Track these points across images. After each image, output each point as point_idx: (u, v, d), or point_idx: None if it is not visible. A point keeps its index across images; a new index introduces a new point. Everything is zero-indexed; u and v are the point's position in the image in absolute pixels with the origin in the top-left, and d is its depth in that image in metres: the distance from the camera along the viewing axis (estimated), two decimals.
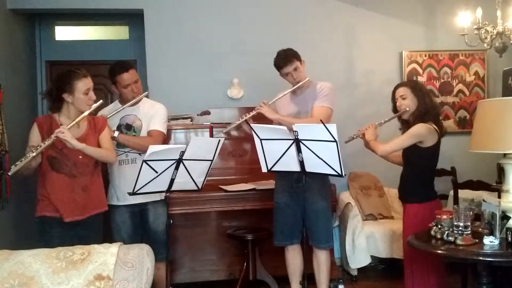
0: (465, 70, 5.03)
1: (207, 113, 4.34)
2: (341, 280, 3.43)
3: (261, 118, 3.31)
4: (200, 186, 2.93)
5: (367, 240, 4.21)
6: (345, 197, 4.50)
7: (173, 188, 2.82)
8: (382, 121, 3.14)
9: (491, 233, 2.40)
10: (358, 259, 4.21)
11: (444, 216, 2.59)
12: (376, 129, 3.11)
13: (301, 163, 2.84)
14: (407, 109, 2.99)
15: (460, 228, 2.46)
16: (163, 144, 3.29)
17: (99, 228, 2.93)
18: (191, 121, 4.32)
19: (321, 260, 3.34)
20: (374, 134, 3.07)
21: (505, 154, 2.65)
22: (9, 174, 2.52)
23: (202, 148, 2.81)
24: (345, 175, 2.86)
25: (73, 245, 2.24)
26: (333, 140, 2.63)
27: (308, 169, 2.86)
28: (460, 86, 5.04)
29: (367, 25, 4.94)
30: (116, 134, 3.10)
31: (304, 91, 3.36)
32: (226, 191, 3.93)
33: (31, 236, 2.90)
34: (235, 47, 4.76)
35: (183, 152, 2.69)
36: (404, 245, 3.06)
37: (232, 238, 4.00)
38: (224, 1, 4.80)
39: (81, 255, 2.14)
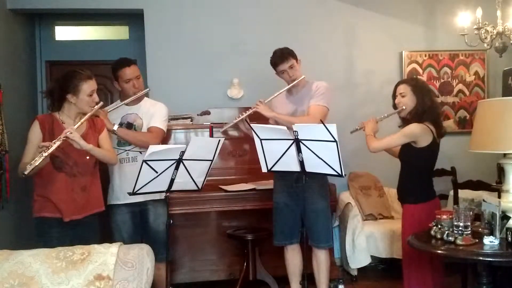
0: (465, 70, 5.03)
1: (207, 113, 4.35)
2: (341, 280, 3.43)
3: (258, 117, 3.32)
4: (200, 186, 2.93)
5: (367, 240, 4.21)
6: (345, 197, 4.50)
7: (173, 188, 2.82)
8: (382, 116, 3.16)
9: (491, 233, 2.40)
10: (358, 259, 4.21)
11: (444, 216, 2.59)
12: (376, 123, 3.13)
13: (301, 163, 2.84)
14: (404, 107, 3.00)
15: (460, 228, 2.46)
16: (162, 142, 3.31)
17: (97, 228, 2.92)
18: (191, 121, 4.32)
19: (321, 259, 3.35)
20: (373, 129, 3.09)
21: (505, 154, 2.65)
22: (25, 173, 2.52)
23: (202, 148, 2.81)
24: (345, 175, 2.86)
25: (72, 246, 2.24)
26: (333, 140, 2.63)
27: (308, 169, 2.86)
28: (460, 86, 5.04)
29: (367, 25, 4.94)
30: (115, 127, 3.10)
31: (300, 90, 3.37)
32: (226, 191, 3.93)
33: (31, 236, 2.89)
34: (235, 47, 4.76)
35: (183, 152, 2.69)
36: (403, 245, 3.06)
37: (232, 238, 4.00)
38: (224, 1, 4.80)
39: (81, 255, 2.14)
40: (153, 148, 2.59)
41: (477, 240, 2.40)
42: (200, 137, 4.22)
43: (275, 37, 4.65)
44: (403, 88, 3.03)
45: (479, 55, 5.01)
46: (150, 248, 2.27)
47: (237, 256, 4.17)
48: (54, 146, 2.56)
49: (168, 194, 2.85)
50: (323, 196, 3.29)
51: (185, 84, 4.70)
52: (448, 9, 4.74)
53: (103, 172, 3.15)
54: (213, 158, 2.85)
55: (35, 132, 2.75)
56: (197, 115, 4.36)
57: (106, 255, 2.14)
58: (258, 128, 2.91)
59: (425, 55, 4.98)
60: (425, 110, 2.94)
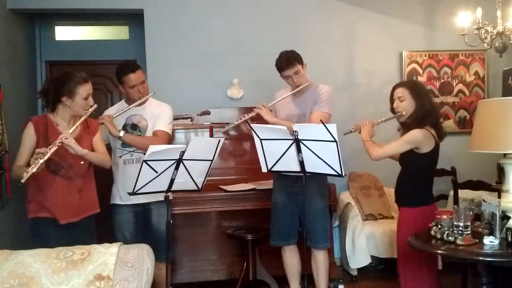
0: (465, 70, 5.03)
1: (207, 113, 4.35)
2: (341, 280, 3.44)
3: (259, 118, 3.32)
4: (200, 186, 2.93)
5: (367, 240, 4.21)
6: (345, 197, 4.50)
7: (173, 188, 2.82)
8: (379, 121, 3.08)
9: (491, 233, 2.40)
10: (358, 259, 4.21)
11: (444, 216, 2.59)
12: (373, 127, 3.04)
13: (301, 163, 2.84)
14: (404, 113, 2.90)
15: (460, 228, 2.46)
16: (167, 143, 3.30)
17: (92, 230, 2.91)
18: (191, 121, 4.32)
19: (319, 260, 3.35)
20: (370, 133, 3.00)
21: (505, 154, 2.65)
22: (22, 181, 2.50)
23: (202, 148, 2.81)
24: (345, 175, 2.86)
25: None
26: (333, 140, 2.63)
27: (308, 169, 2.86)
28: (460, 86, 5.04)
29: (367, 25, 4.94)
30: (121, 133, 3.10)
31: (305, 93, 3.36)
32: (226, 191, 3.93)
33: (31, 236, 2.89)
34: (235, 47, 4.76)
35: (183, 152, 2.69)
36: (398, 247, 3.05)
37: (232, 238, 4.00)
38: (224, 1, 4.80)
39: (81, 255, 2.14)
40: (153, 148, 2.59)
41: (477, 240, 2.39)
42: (200, 137, 4.22)
43: (275, 37, 4.65)
44: (401, 92, 2.93)
45: (479, 55, 5.01)
46: (150, 248, 2.27)
47: (237, 256, 4.17)
48: (50, 153, 2.54)
49: (168, 194, 2.85)
50: (321, 196, 3.29)
51: (185, 84, 4.70)
52: (448, 9, 4.75)
53: (107, 172, 3.14)
54: (213, 158, 2.85)
55: (29, 134, 2.73)
56: (197, 115, 4.36)
57: (106, 255, 2.14)
58: (258, 128, 2.92)
59: (425, 55, 4.98)
60: (425, 114, 2.86)
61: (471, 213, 2.51)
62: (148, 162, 2.61)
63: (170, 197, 3.29)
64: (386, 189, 4.63)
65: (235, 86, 4.72)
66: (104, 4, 4.66)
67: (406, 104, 2.90)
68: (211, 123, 4.24)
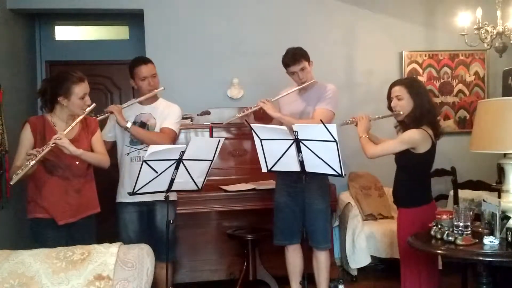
0: (465, 70, 5.03)
1: (207, 113, 4.35)
2: (341, 280, 3.43)
3: (263, 117, 3.32)
4: (200, 186, 2.93)
5: (367, 240, 4.21)
6: (345, 197, 4.50)
7: (173, 188, 2.82)
8: (376, 116, 3.04)
9: (491, 233, 2.40)
10: (358, 259, 4.21)
11: (444, 216, 2.59)
12: (369, 122, 3.01)
13: (301, 163, 2.84)
14: (401, 112, 2.87)
15: (460, 228, 2.46)
16: (173, 143, 3.30)
17: (92, 229, 2.91)
18: (191, 121, 4.32)
19: (321, 260, 3.35)
20: (366, 128, 2.97)
21: (505, 154, 2.65)
22: (11, 183, 2.50)
23: (202, 148, 2.81)
24: (345, 175, 2.84)
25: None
26: (333, 140, 2.63)
27: (308, 169, 2.85)
28: (460, 86, 5.04)
29: (367, 25, 4.94)
30: (129, 124, 3.11)
31: (310, 90, 3.35)
32: (226, 191, 3.93)
33: (31, 237, 2.89)
34: (235, 47, 4.76)
35: (183, 152, 2.69)
36: (399, 247, 3.04)
37: (232, 238, 4.00)
38: (224, 1, 4.80)
39: (81, 255, 2.14)
40: (153, 148, 2.59)
41: (477, 240, 2.39)
42: (200, 137, 4.22)
43: (275, 37, 4.66)
44: (398, 91, 2.88)
45: (479, 55, 5.01)
46: (150, 248, 2.27)
47: (237, 256, 4.17)
48: (42, 154, 2.53)
49: (167, 194, 2.85)
50: (322, 197, 3.29)
51: (185, 84, 4.70)
52: (448, 9, 4.75)
53: (113, 169, 3.14)
54: (213, 158, 2.85)
55: (26, 135, 2.73)
56: (197, 115, 4.36)
57: (106, 255, 2.14)
58: (258, 128, 2.91)
59: (425, 55, 4.98)
60: (423, 113, 2.82)
61: (471, 213, 2.51)
62: (148, 162, 2.61)
63: (175, 198, 3.32)
64: (386, 189, 4.63)
65: (235, 86, 4.72)
66: (104, 4, 4.66)
67: (404, 103, 2.86)
68: (211, 123, 4.23)
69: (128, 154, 3.25)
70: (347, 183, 4.67)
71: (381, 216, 4.48)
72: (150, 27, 4.69)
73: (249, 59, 4.69)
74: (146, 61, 3.31)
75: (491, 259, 2.31)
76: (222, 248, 4.26)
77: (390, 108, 2.98)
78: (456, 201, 3.85)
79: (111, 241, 2.30)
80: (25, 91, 4.75)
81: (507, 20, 3.92)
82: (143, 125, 3.26)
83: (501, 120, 2.60)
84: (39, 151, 2.54)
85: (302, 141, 2.74)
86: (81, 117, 2.74)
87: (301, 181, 2.96)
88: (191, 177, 2.83)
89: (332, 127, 2.61)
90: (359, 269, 4.28)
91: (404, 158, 2.87)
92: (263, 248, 3.97)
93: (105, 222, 3.15)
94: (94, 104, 2.80)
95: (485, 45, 4.01)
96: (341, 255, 4.62)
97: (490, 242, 2.35)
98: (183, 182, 2.82)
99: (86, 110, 2.76)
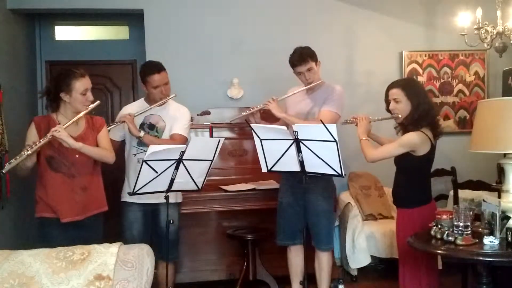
0: (465, 70, 5.03)
1: (207, 113, 4.34)
2: (341, 280, 3.43)
3: (268, 117, 3.31)
4: (200, 186, 2.93)
5: (367, 240, 4.21)
6: (345, 197, 4.50)
7: (173, 188, 2.83)
8: (376, 118, 3.05)
9: (491, 233, 2.40)
10: (358, 259, 4.21)
11: (444, 216, 2.59)
12: (370, 123, 3.01)
13: (301, 163, 2.84)
14: (399, 115, 2.85)
15: (460, 228, 2.46)
16: None
17: (100, 228, 2.91)
18: (191, 121, 4.31)
19: (323, 261, 3.35)
20: (366, 130, 2.97)
21: (505, 154, 2.65)
22: (3, 171, 2.50)
23: (202, 148, 2.81)
24: (345, 175, 2.85)
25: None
26: (333, 140, 2.63)
27: (308, 169, 2.85)
28: (460, 86, 5.04)
29: (367, 25, 4.94)
30: (142, 134, 3.13)
31: (317, 91, 3.34)
32: (226, 191, 3.93)
33: (31, 236, 2.90)
34: (235, 47, 4.76)
35: (183, 152, 2.69)
36: (398, 247, 3.04)
37: (232, 238, 3.99)
38: (224, 1, 4.80)
39: (81, 255, 2.14)
40: (153, 148, 2.60)
41: (477, 240, 2.39)
42: (200, 137, 4.22)
43: (275, 37, 4.65)
44: (396, 93, 2.84)
45: (479, 55, 5.01)
46: (150, 248, 2.27)
47: (237, 256, 4.16)
48: (39, 145, 2.54)
49: (167, 194, 2.85)
50: (325, 198, 3.28)
51: (185, 84, 4.68)
52: (448, 9, 4.75)
53: (118, 168, 3.15)
54: (213, 158, 2.85)
55: (32, 134, 2.74)
56: (197, 115, 4.36)
57: (106, 255, 2.14)
58: (258, 128, 2.91)
59: (425, 55, 4.98)
60: (422, 115, 2.80)
61: (471, 213, 2.51)
62: (148, 162, 2.61)
63: (180, 200, 3.34)
64: (386, 189, 4.63)
65: (235, 86, 4.72)
66: (104, 4, 4.66)
67: (402, 106, 2.84)
68: (211, 123, 4.24)
69: (135, 155, 3.26)
70: (347, 183, 4.67)
71: (381, 216, 4.48)
72: (150, 27, 4.69)
73: (249, 59, 4.69)
74: (160, 69, 3.25)
75: (491, 259, 2.31)
76: (222, 248, 4.25)
77: (389, 111, 2.96)
78: (456, 201, 3.85)
79: (115, 240, 2.30)
80: (25, 91, 4.75)
81: (507, 20, 3.92)
82: (151, 126, 3.27)
83: (501, 120, 2.60)
84: (36, 143, 2.55)
85: (302, 141, 2.74)
86: (83, 112, 2.74)
87: (306, 181, 2.94)
88: (191, 177, 2.83)
89: (332, 127, 2.61)
90: (359, 269, 4.28)
91: (404, 161, 2.86)
92: (263, 248, 3.97)
93: (109, 221, 3.15)
94: (98, 102, 2.80)
95: (485, 45, 4.01)
96: (341, 255, 4.62)
97: (490, 242, 2.35)
98: (183, 182, 2.82)
99: (89, 106, 2.76)
